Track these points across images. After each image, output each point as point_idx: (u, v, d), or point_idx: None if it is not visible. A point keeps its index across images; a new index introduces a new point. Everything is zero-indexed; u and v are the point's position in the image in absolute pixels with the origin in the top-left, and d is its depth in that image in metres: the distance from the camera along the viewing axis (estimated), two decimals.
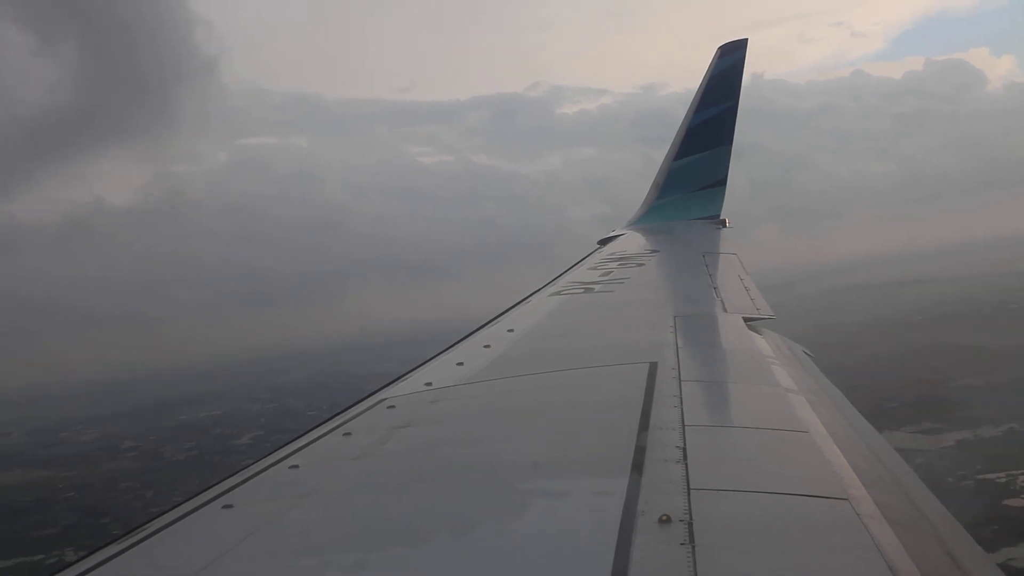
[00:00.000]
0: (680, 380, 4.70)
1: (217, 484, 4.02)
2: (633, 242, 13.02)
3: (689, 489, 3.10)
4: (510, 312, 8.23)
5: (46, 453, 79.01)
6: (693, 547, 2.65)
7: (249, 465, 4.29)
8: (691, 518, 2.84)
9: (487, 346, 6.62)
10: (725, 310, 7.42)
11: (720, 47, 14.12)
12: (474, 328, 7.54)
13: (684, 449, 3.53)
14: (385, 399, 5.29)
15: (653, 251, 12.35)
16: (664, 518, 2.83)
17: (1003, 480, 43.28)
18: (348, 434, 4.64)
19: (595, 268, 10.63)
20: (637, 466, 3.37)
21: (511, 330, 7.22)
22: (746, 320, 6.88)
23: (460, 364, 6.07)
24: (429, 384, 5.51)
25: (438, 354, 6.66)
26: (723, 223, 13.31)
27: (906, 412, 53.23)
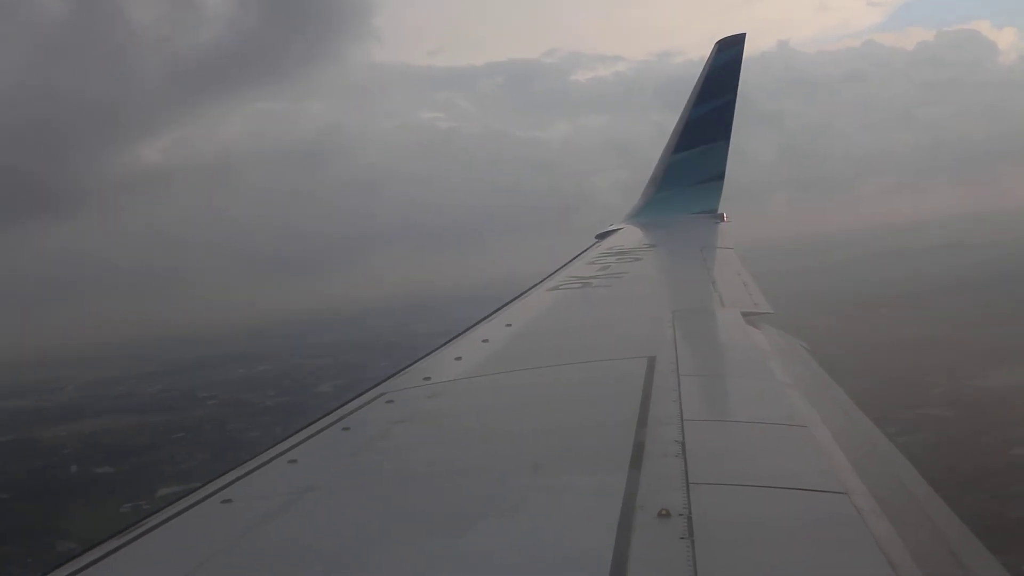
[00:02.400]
0: (678, 375, 4.70)
1: (216, 479, 4.02)
2: (631, 237, 13.02)
3: (688, 484, 3.10)
4: (508, 307, 8.24)
5: (119, 403, 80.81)
6: (692, 541, 2.65)
7: (248, 460, 4.29)
8: (690, 512, 2.84)
9: (485, 341, 6.62)
10: (723, 305, 7.43)
11: (718, 42, 14.14)
12: (472, 324, 7.54)
13: (683, 444, 3.53)
14: (384, 393, 5.30)
15: (651, 246, 12.35)
16: (663, 513, 2.84)
17: None
18: (347, 428, 4.64)
19: (593, 263, 10.63)
20: (636, 461, 3.37)
21: (509, 325, 7.22)
22: (744, 315, 6.89)
23: (458, 359, 6.07)
24: (428, 379, 5.51)
25: (436, 348, 6.67)
26: (721, 217, 13.32)
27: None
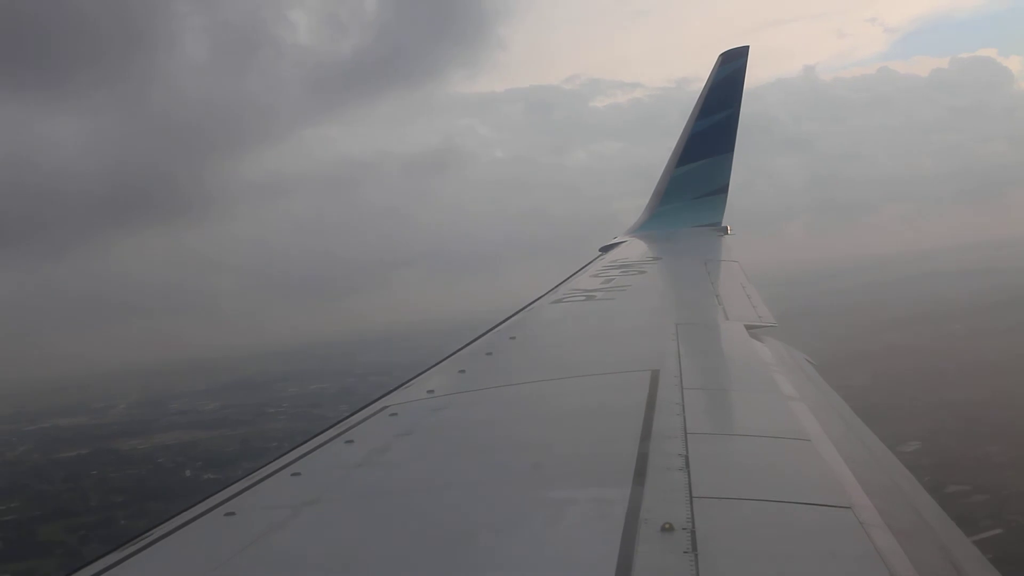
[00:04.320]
0: (682, 388, 4.69)
1: (219, 492, 4.02)
2: (635, 249, 13.02)
3: (692, 497, 3.09)
4: (512, 319, 8.23)
5: (182, 420, 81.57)
6: (696, 555, 2.64)
7: (251, 473, 4.29)
8: (694, 526, 2.83)
9: (489, 353, 6.62)
10: (727, 318, 7.42)
11: (721, 54, 14.16)
12: (475, 336, 7.54)
13: (686, 457, 3.52)
14: (387, 406, 5.29)
15: (655, 258, 12.35)
16: (667, 526, 2.83)
17: None
18: (350, 441, 4.64)
19: (597, 276, 10.63)
20: (639, 474, 3.36)
21: (513, 337, 7.22)
22: (748, 328, 6.88)
23: (462, 371, 6.07)
24: (431, 391, 5.51)
25: (440, 361, 6.66)
26: (725, 230, 13.31)
27: None
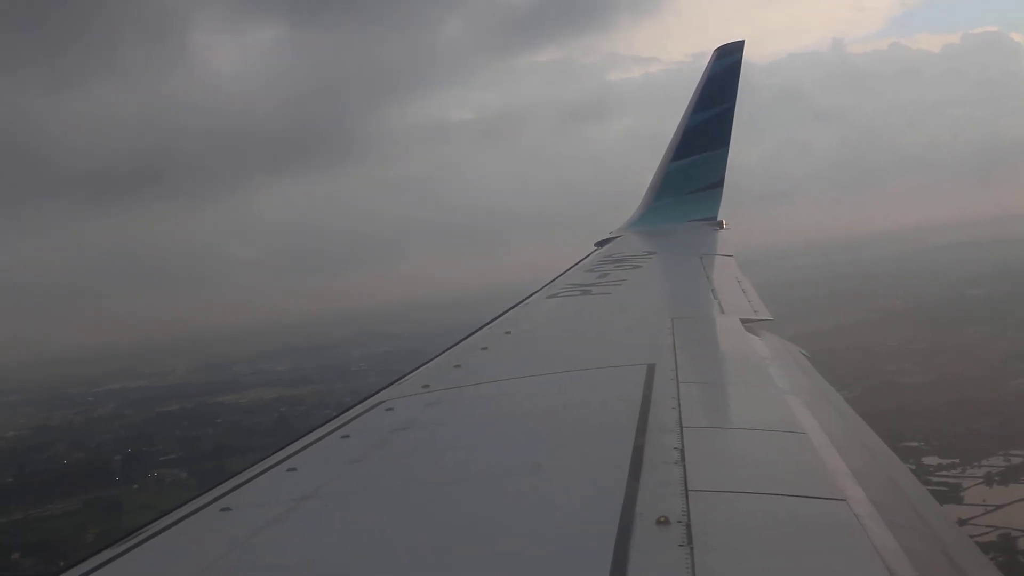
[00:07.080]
0: (678, 382, 4.70)
1: (216, 487, 4.02)
2: (630, 244, 13.03)
3: (687, 491, 3.10)
4: (507, 314, 8.24)
5: (259, 379, 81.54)
6: (691, 548, 2.65)
7: (247, 468, 4.29)
8: (689, 520, 2.84)
9: (484, 348, 6.63)
10: (722, 312, 7.43)
11: (716, 49, 14.16)
12: (471, 331, 7.55)
13: (682, 451, 3.53)
14: (383, 401, 5.30)
15: (650, 253, 12.36)
16: (662, 520, 2.84)
17: None
18: (346, 436, 4.64)
19: (592, 270, 10.64)
20: (635, 468, 3.37)
21: (508, 332, 7.23)
22: (743, 322, 6.89)
23: (458, 366, 6.08)
24: (427, 386, 5.51)
25: (436, 356, 6.67)
26: (720, 225, 13.33)
27: None
